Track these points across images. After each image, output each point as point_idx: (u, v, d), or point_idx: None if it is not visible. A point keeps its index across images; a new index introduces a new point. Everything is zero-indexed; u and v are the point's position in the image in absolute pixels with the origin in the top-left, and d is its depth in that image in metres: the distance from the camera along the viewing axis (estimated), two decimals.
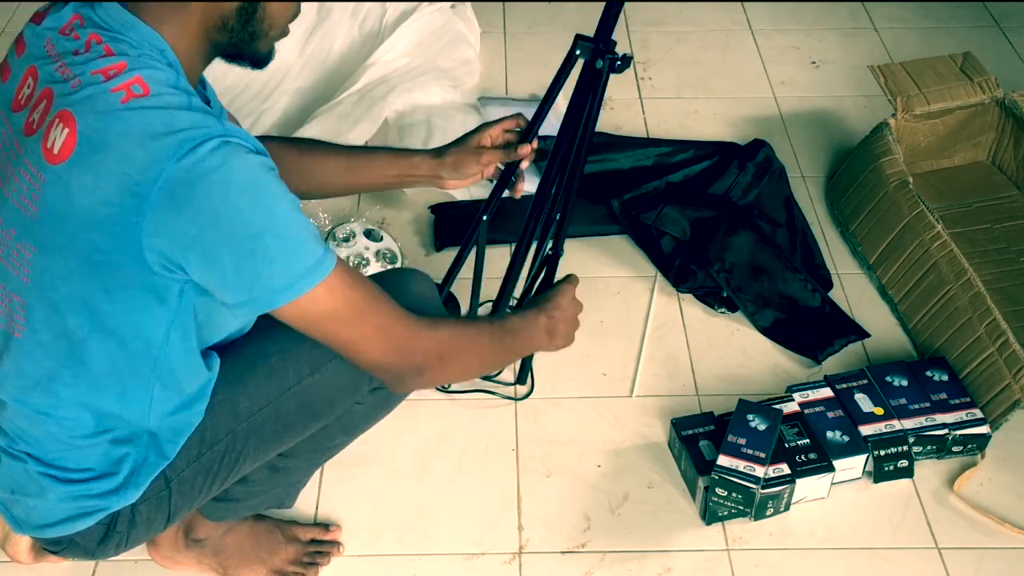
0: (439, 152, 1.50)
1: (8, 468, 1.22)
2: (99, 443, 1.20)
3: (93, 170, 1.01)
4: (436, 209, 2.17)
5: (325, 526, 1.61)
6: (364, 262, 1.99)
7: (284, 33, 1.18)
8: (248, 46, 1.15)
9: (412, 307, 1.22)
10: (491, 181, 1.54)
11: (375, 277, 1.42)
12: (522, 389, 1.82)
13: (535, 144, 1.49)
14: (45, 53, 1.08)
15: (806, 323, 1.94)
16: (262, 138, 1.42)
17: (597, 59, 1.40)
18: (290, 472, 1.46)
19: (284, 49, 2.36)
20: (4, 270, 1.12)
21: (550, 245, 1.60)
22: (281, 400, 1.28)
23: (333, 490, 1.68)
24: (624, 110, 2.49)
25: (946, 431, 1.69)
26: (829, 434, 1.67)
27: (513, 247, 1.69)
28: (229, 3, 1.09)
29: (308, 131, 2.25)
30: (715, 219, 2.08)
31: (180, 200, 1.00)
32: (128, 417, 1.19)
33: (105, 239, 1.02)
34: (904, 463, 1.68)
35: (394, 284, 1.31)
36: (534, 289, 1.64)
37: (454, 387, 1.83)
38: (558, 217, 1.58)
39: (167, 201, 1.00)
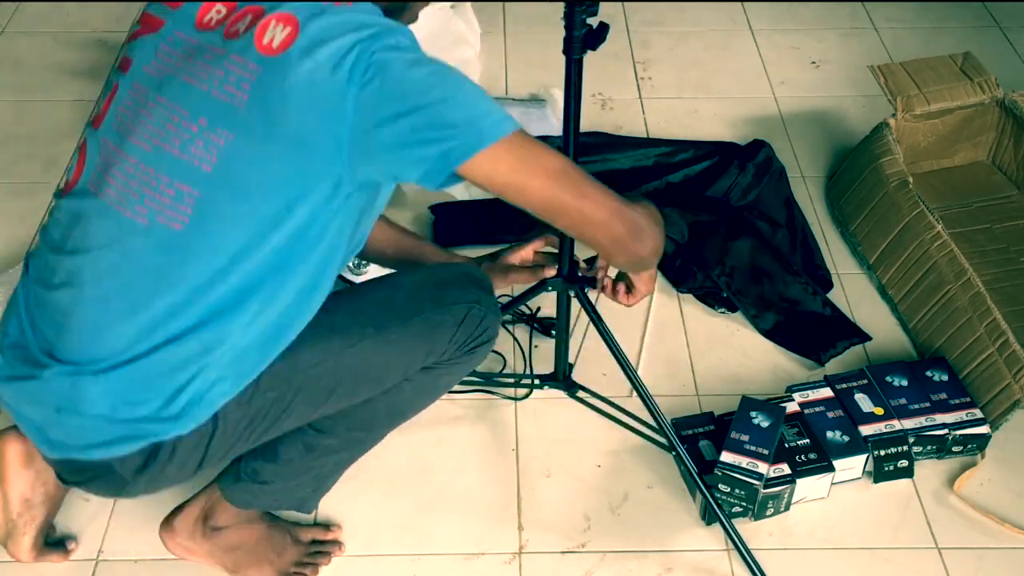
0: (477, 262, 1.63)
1: (59, 384, 1.21)
2: (171, 359, 1.20)
3: (313, 56, 1.11)
4: (436, 209, 2.17)
5: (326, 526, 1.61)
6: (364, 262, 1.99)
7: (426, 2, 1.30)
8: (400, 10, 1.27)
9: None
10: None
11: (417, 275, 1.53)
12: (522, 390, 1.82)
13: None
14: None
15: (808, 326, 1.94)
16: None
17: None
18: (325, 454, 1.46)
19: None
20: (177, 161, 1.16)
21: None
22: (340, 356, 1.31)
23: (333, 490, 1.67)
24: (624, 110, 2.49)
25: (946, 431, 1.69)
26: (829, 434, 1.68)
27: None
28: None
29: None
30: (714, 223, 2.08)
31: (383, 71, 1.10)
32: (228, 325, 1.20)
33: (317, 119, 1.11)
34: (904, 463, 1.68)
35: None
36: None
37: (455, 387, 1.83)
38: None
39: (372, 74, 1.10)
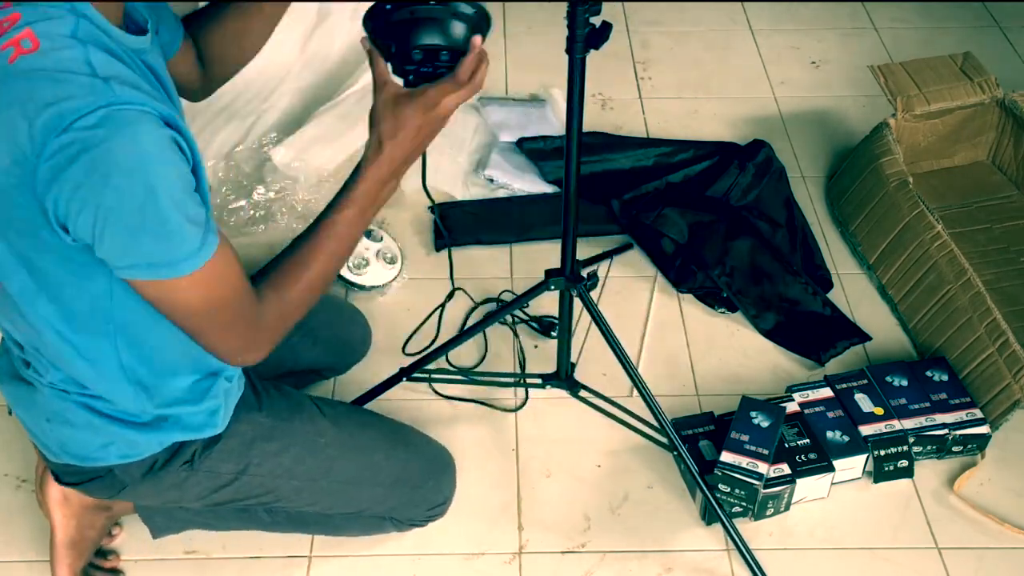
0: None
1: (47, 399, 1.25)
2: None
3: None
4: (436, 209, 2.17)
5: (104, 554, 1.59)
6: (364, 262, 1.99)
7: None
8: None
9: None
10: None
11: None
12: (520, 400, 1.82)
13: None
14: None
15: (808, 326, 1.94)
16: (191, 17, 1.36)
17: None
18: (251, 522, 1.53)
19: (284, 49, 2.36)
20: None
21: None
22: (320, 487, 1.43)
23: None
24: (624, 110, 2.49)
25: (946, 431, 1.69)
26: (829, 434, 1.67)
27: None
28: None
29: (308, 131, 2.25)
30: (714, 223, 2.08)
31: (64, 174, 0.96)
32: (105, 389, 1.21)
33: (12, 208, 1.01)
34: (904, 463, 1.68)
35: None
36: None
37: (453, 393, 1.83)
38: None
39: (53, 174, 0.96)
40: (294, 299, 1.18)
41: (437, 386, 1.83)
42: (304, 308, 1.21)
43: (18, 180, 0.98)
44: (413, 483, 1.50)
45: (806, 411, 1.71)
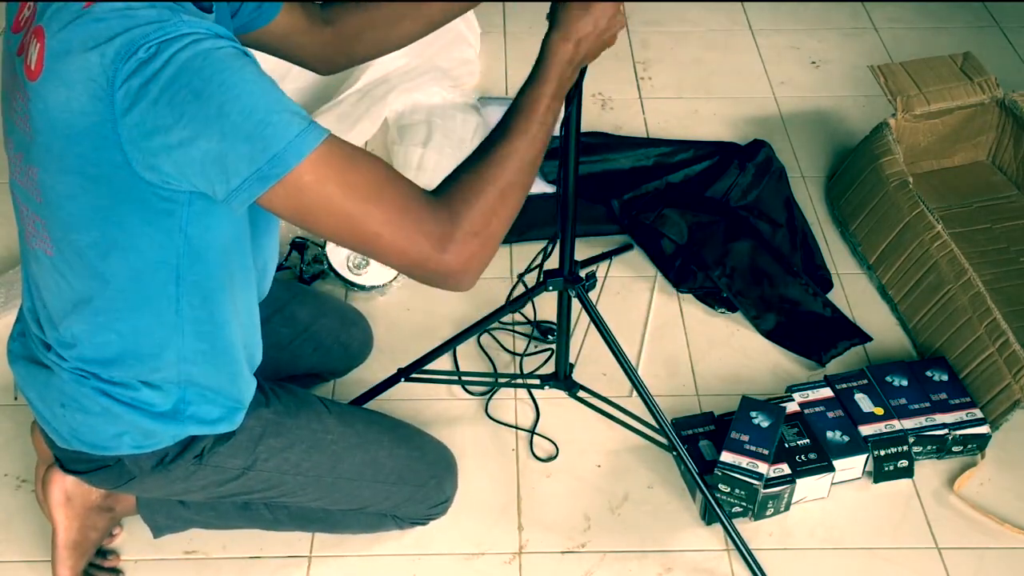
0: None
1: (62, 382, 1.24)
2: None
3: (64, 82, 0.99)
4: None
5: (104, 554, 1.58)
6: (364, 262, 1.99)
7: None
8: None
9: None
10: None
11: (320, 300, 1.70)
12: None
13: None
14: None
15: (808, 326, 1.94)
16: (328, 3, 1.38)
17: None
18: (249, 518, 1.53)
19: None
20: (24, 192, 1.13)
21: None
22: (325, 482, 1.43)
23: None
24: (624, 110, 2.49)
25: (946, 431, 1.69)
26: (829, 434, 1.67)
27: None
28: None
29: None
30: (714, 223, 2.08)
31: (140, 98, 0.97)
32: (160, 348, 1.19)
33: (92, 151, 1.01)
34: (904, 463, 1.68)
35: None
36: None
37: (452, 394, 1.83)
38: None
39: (129, 102, 0.97)
40: (483, 207, 1.09)
41: (436, 386, 1.83)
42: (500, 218, 1.11)
43: (97, 118, 0.99)
44: (416, 481, 1.50)
45: (806, 411, 1.71)
